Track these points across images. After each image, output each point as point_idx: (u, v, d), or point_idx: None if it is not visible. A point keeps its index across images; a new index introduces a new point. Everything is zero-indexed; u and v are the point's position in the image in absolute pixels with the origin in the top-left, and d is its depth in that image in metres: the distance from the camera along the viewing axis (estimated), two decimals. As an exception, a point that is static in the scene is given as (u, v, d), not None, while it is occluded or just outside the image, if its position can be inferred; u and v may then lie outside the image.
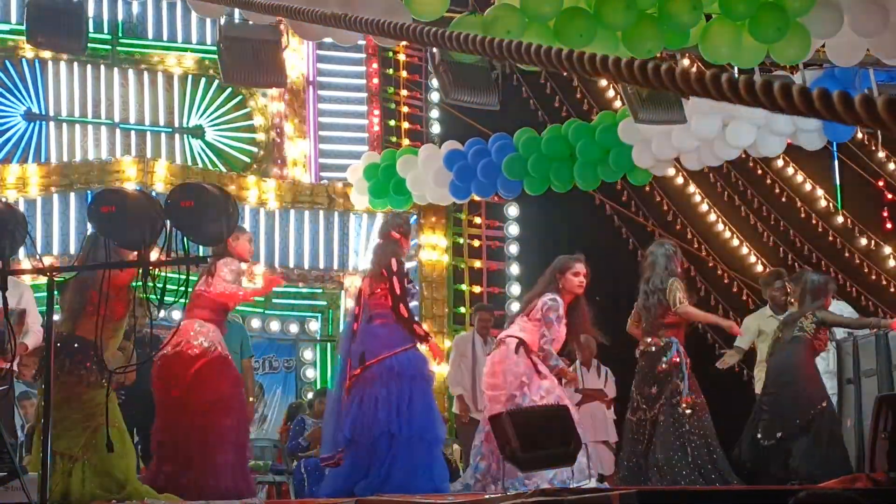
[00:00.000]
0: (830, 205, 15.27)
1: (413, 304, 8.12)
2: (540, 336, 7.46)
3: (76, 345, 6.41)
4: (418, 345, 7.54)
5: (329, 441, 7.62)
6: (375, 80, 15.04)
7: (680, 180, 15.05)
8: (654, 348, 7.73)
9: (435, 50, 7.70)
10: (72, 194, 12.50)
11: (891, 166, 14.98)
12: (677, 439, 7.50)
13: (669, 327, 7.76)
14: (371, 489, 6.98)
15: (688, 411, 7.53)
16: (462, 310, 14.27)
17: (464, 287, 14.43)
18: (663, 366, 7.63)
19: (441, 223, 13.94)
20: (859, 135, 13.45)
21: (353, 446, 7.29)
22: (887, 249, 15.28)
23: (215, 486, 6.90)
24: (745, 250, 15.29)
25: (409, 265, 13.56)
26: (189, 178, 12.03)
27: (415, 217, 13.76)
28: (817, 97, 1.92)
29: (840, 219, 15.26)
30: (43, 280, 5.97)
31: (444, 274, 14.00)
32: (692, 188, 15.30)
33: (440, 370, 10.92)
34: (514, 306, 13.32)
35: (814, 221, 15.29)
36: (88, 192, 12.09)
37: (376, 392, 7.31)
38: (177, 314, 9.43)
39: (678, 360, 7.65)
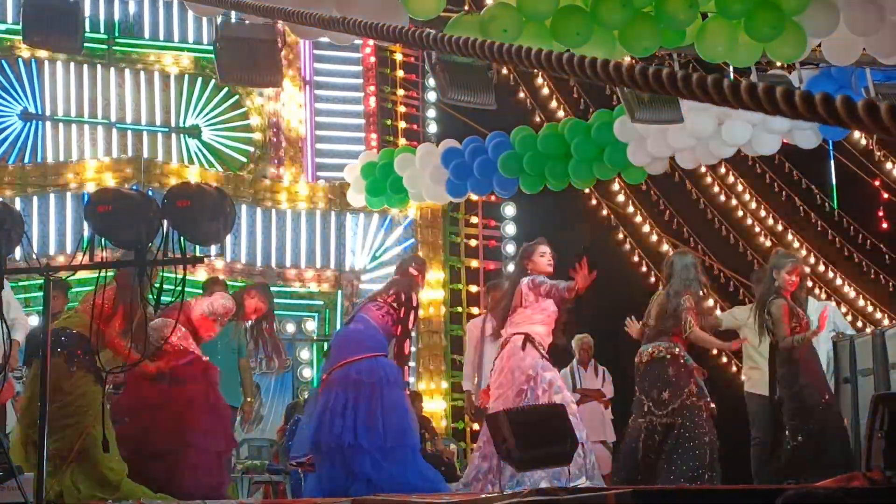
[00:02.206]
0: (826, 204, 15.28)
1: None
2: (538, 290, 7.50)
3: (63, 338, 6.48)
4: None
5: (300, 441, 7.65)
6: (372, 80, 15.04)
7: (675, 178, 15.05)
8: (663, 354, 7.65)
9: (431, 49, 7.68)
10: (68, 194, 12.50)
11: (888, 165, 14.99)
12: (696, 446, 7.45)
13: (676, 334, 7.72)
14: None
15: (704, 414, 7.51)
16: (459, 309, 14.27)
17: (460, 286, 14.42)
18: (671, 370, 7.59)
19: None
20: (856, 134, 13.44)
21: (318, 454, 7.31)
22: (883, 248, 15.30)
23: (191, 485, 6.89)
24: (740, 248, 15.30)
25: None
26: (185, 177, 12.03)
27: (411, 218, 13.77)
28: (819, 101, 1.91)
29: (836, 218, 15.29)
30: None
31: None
32: (688, 186, 15.31)
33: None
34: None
35: (812, 220, 15.31)
36: (85, 191, 12.09)
37: (336, 400, 7.32)
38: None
39: (689, 365, 7.63)
